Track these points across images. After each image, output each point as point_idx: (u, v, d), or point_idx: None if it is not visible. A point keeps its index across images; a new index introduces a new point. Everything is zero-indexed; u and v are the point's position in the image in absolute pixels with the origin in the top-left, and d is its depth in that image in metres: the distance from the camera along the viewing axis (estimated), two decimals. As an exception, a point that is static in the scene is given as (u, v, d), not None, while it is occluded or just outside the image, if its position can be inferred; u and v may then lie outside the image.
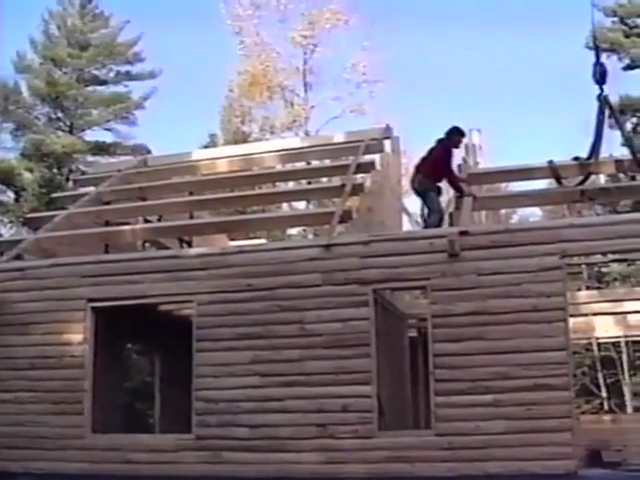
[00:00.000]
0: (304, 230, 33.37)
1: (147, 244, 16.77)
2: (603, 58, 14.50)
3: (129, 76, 40.70)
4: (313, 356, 12.17)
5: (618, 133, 15.35)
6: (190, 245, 16.59)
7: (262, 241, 19.85)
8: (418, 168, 14.34)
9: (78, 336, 13.18)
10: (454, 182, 14.16)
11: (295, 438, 11.99)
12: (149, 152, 33.82)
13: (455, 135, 14.39)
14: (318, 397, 12.03)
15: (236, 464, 12.09)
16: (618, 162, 14.63)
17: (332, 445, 11.87)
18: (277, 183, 18.54)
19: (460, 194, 14.06)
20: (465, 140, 15.42)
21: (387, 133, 16.01)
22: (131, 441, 12.96)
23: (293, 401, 12.12)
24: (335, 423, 11.90)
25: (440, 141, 14.35)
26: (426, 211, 14.33)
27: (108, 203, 16.16)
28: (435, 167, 14.11)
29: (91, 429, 12.96)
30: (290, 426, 12.05)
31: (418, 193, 14.31)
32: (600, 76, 13.95)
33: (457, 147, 14.57)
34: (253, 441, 12.12)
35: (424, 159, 14.39)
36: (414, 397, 15.52)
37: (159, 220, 16.37)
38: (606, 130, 13.98)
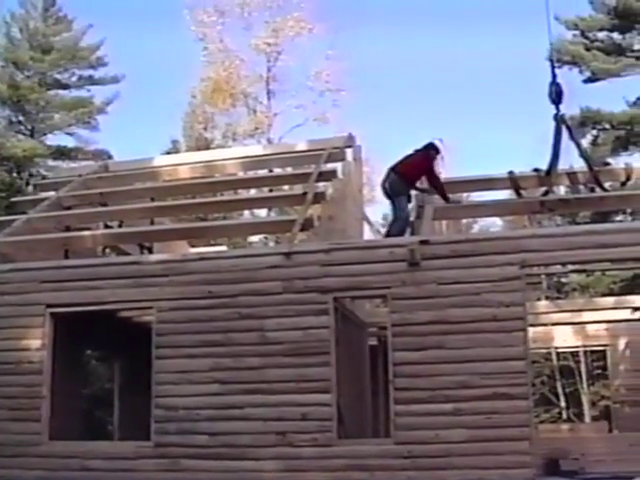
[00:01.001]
0: (266, 238, 33.35)
1: (107, 250, 16.66)
2: (564, 71, 14.67)
3: (92, 80, 40.40)
4: (273, 364, 12.16)
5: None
6: (151, 251, 16.52)
7: (223, 248, 19.79)
8: (394, 169, 14.26)
9: (37, 342, 13.07)
10: (442, 189, 14.22)
11: (255, 446, 11.98)
12: (111, 157, 33.59)
13: (433, 150, 14.42)
14: (278, 405, 12.02)
15: (195, 472, 12.05)
16: (577, 174, 14.77)
17: (291, 453, 11.86)
18: (239, 190, 18.47)
19: (446, 201, 14.19)
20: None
21: (349, 142, 16.04)
22: (89, 448, 12.86)
23: (253, 409, 12.11)
24: (295, 431, 11.90)
25: (421, 150, 14.39)
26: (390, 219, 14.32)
27: (69, 208, 16.03)
28: (416, 169, 14.14)
29: (49, 436, 12.85)
30: (250, 434, 12.03)
31: (389, 195, 14.22)
32: (556, 96, 14.11)
33: (434, 160, 14.59)
34: (212, 449, 12.09)
35: (401, 161, 14.34)
36: (374, 406, 15.55)
37: (120, 226, 16.29)
38: (564, 147, 14.16)
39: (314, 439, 11.85)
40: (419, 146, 14.47)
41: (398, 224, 13.95)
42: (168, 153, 32.30)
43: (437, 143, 14.49)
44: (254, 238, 32.73)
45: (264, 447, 11.95)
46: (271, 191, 23.02)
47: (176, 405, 12.38)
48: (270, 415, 12.03)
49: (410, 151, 14.53)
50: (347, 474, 11.66)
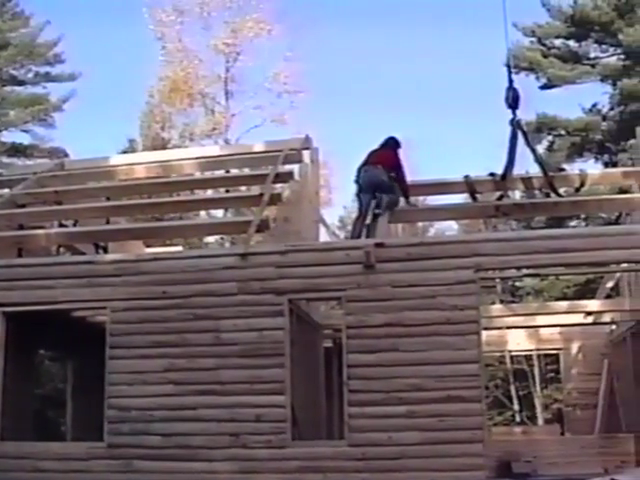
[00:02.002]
0: (222, 238, 33.23)
1: (62, 249, 16.53)
2: (522, 77, 14.77)
3: (48, 77, 39.97)
4: (228, 365, 12.13)
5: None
6: (105, 251, 16.40)
7: (179, 249, 19.71)
8: (371, 163, 14.24)
9: (-12, 341, 12.94)
10: (407, 187, 14.26)
11: (208, 447, 11.94)
12: (66, 155, 33.27)
13: (396, 144, 14.47)
14: (232, 406, 12.00)
15: (148, 473, 11.96)
16: (532, 180, 14.88)
17: (245, 455, 11.84)
18: (195, 190, 18.40)
19: (407, 200, 14.29)
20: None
21: (307, 144, 16.03)
22: (41, 449, 12.73)
23: (207, 410, 12.07)
24: (248, 433, 11.88)
25: (386, 146, 14.44)
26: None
27: (23, 206, 15.86)
28: (390, 162, 14.15)
29: (0, 436, 12.72)
30: (203, 435, 11.99)
31: (376, 181, 14.06)
32: (513, 101, 14.20)
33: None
34: (166, 450, 12.02)
35: (373, 156, 14.34)
36: (329, 407, 15.55)
37: (74, 225, 16.15)
38: (519, 153, 14.25)
39: (268, 441, 11.84)
40: (376, 142, 14.49)
41: (395, 195, 13.97)
42: (125, 152, 32.08)
43: (397, 137, 14.52)
44: (210, 239, 32.62)
45: (218, 448, 11.91)
46: (228, 192, 22.91)
47: (129, 406, 12.30)
48: (224, 416, 12.00)
49: (373, 147, 14.53)
50: (301, 476, 11.65)
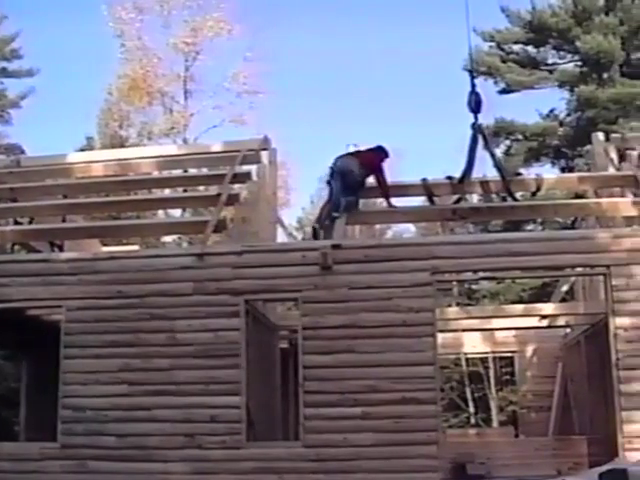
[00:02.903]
0: (179, 238, 33.06)
1: (17, 247, 16.37)
2: (480, 81, 14.81)
3: (5, 73, 39.51)
4: (183, 365, 12.11)
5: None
6: (62, 249, 16.24)
7: (135, 248, 19.59)
8: (353, 154, 14.27)
9: (-60, 340, 12.80)
10: (387, 190, 14.25)
11: (163, 448, 11.91)
12: (23, 152, 32.80)
13: (383, 152, 14.44)
14: (187, 407, 11.98)
15: (102, 474, 11.91)
16: (490, 183, 14.95)
17: (200, 455, 11.83)
18: (153, 190, 18.33)
19: (388, 202, 14.26)
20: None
21: (265, 144, 16.00)
22: (-6, 449, 12.62)
23: (162, 410, 12.04)
24: (203, 433, 11.88)
25: (375, 149, 14.43)
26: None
27: (-23, 203, 15.72)
28: (371, 163, 14.07)
29: (-49, 436, 12.60)
30: (158, 436, 11.97)
31: (345, 172, 13.94)
32: (475, 105, 14.26)
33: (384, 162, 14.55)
34: (120, 450, 11.97)
35: (355, 153, 14.35)
36: (284, 409, 15.54)
37: (30, 222, 15.99)
38: (478, 157, 14.32)
39: (223, 441, 11.84)
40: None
41: (350, 199, 13.83)
42: (82, 150, 31.82)
43: (387, 147, 14.51)
44: (167, 238, 32.41)
45: (172, 449, 11.89)
46: (185, 191, 22.86)
47: (84, 406, 12.23)
48: (179, 417, 11.98)
49: (352, 149, 14.51)
50: (256, 477, 11.67)
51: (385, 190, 14.22)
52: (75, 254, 14.08)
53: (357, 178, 13.99)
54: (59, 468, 12.08)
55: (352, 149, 16.21)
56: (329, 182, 14.34)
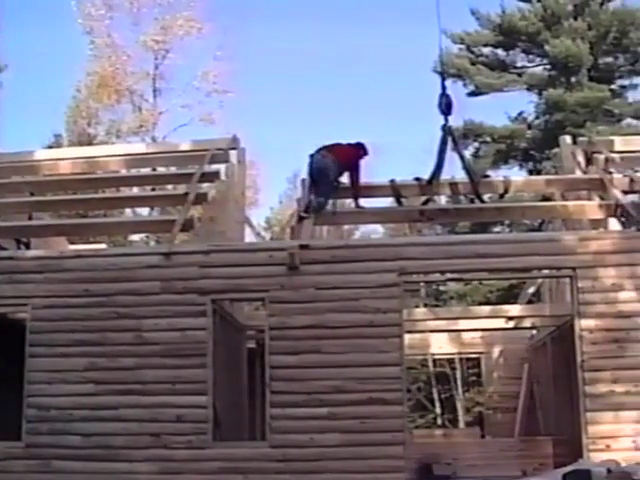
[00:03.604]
0: (147, 237, 32.95)
1: (-18, 244, 16.21)
2: (449, 83, 14.84)
3: (-28, 69, 39.27)
4: (149, 365, 12.07)
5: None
6: (28, 247, 16.12)
7: (102, 246, 19.48)
8: (326, 150, 14.02)
9: None
10: (359, 189, 14.22)
11: (129, 448, 11.86)
12: (-11, 149, 32.70)
13: (362, 149, 14.40)
14: (153, 406, 11.94)
15: (67, 474, 11.83)
16: (458, 185, 15.00)
17: (166, 455, 11.79)
18: (121, 188, 18.27)
19: (356, 202, 14.25)
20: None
21: (234, 144, 15.97)
22: (-43, 449, 12.51)
23: (128, 410, 11.99)
24: (169, 433, 11.85)
25: (354, 145, 14.36)
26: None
27: (-58, 200, 15.57)
28: (348, 159, 14.01)
29: None
30: (124, 435, 11.92)
31: (321, 170, 13.84)
32: (446, 107, 14.30)
33: (362, 159, 14.52)
34: (86, 450, 11.90)
35: (332, 146, 14.13)
36: (251, 409, 15.52)
37: (-4, 220, 15.88)
38: (447, 158, 14.37)
39: (189, 441, 11.81)
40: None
41: (321, 199, 13.69)
42: (50, 147, 31.66)
43: (367, 145, 14.47)
44: (135, 237, 32.35)
45: (138, 449, 11.84)
46: (154, 190, 22.81)
47: (49, 405, 12.16)
48: (145, 416, 11.93)
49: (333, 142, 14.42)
50: (222, 477, 11.65)
51: (356, 190, 14.22)
52: (42, 252, 14.00)
53: (331, 178, 13.91)
54: (23, 468, 11.99)
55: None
56: (310, 175, 14.13)
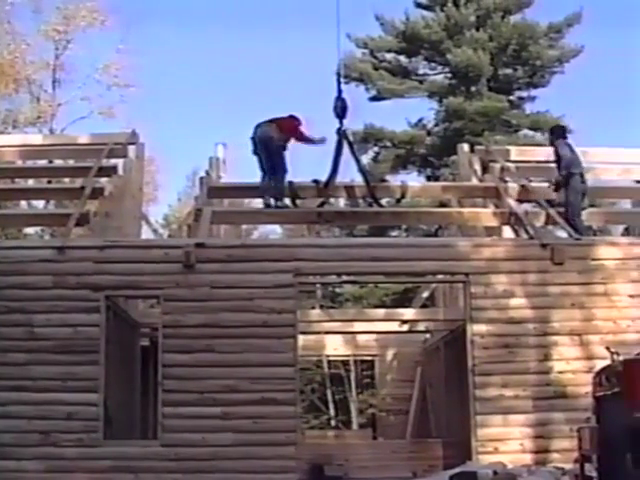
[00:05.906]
0: (42, 230, 32.35)
1: None
2: (352, 87, 14.97)
3: None
4: (40, 361, 11.85)
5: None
6: None
7: (-5, 238, 19.13)
8: (271, 121, 14.04)
9: None
10: (310, 141, 14.30)
11: (17, 445, 11.61)
12: None
13: (296, 120, 14.36)
14: (43, 403, 11.73)
15: (-49, 471, 11.56)
16: (355, 188, 15.13)
17: (55, 453, 11.60)
18: (16, 179, 17.92)
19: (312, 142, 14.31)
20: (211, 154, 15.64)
21: (133, 139, 15.86)
22: None
23: (16, 407, 11.74)
24: (59, 431, 11.66)
25: (288, 117, 14.32)
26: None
27: None
28: (290, 128, 14.04)
29: None
30: (12, 433, 11.65)
31: (263, 140, 13.83)
32: (341, 111, 14.42)
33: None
34: (-29, 447, 11.63)
35: (276, 118, 14.13)
36: (144, 407, 15.39)
37: None
38: (343, 162, 14.47)
39: (79, 439, 11.65)
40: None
41: (282, 175, 13.82)
42: (-57, 136, 30.85)
43: (298, 116, 14.43)
44: (29, 230, 31.69)
45: (27, 446, 11.61)
46: (50, 183, 22.43)
47: None
48: (34, 414, 11.71)
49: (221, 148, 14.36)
50: (112, 476, 11.53)
51: (310, 141, 14.30)
52: None
53: (278, 143, 13.88)
54: None
55: (221, 148, 16.27)
56: (255, 152, 14.09)
